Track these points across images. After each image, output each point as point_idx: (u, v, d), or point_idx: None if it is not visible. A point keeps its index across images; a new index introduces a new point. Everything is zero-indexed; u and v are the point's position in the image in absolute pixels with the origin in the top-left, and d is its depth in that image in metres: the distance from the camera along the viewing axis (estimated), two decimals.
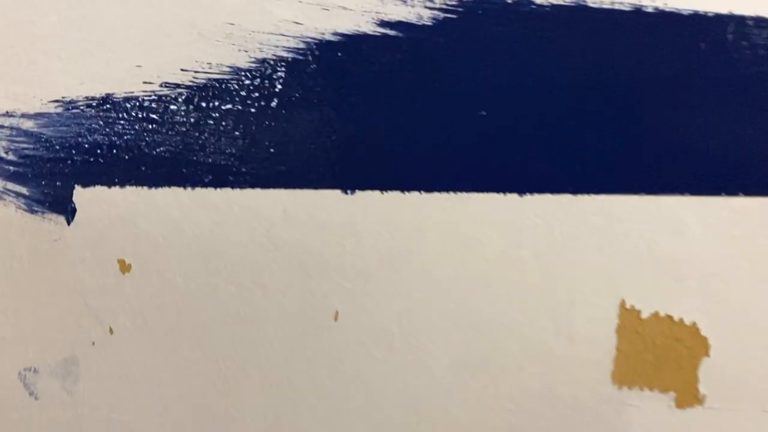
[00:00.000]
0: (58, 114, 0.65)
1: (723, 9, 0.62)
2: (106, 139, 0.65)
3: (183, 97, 0.65)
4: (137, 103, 0.65)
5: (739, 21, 0.62)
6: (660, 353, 0.63)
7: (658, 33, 0.62)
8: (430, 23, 0.64)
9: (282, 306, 0.65)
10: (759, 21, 0.61)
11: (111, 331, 0.66)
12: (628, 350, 0.64)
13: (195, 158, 0.65)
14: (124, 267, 0.66)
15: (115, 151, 0.65)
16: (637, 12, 0.62)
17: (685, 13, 0.62)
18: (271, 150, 0.64)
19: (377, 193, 0.64)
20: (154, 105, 0.65)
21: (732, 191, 0.62)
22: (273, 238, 0.64)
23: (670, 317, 0.63)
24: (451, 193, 0.64)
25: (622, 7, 0.62)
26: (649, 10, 0.62)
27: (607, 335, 0.63)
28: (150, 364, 0.66)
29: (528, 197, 0.63)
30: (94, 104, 0.65)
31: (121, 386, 0.66)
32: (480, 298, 0.64)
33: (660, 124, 0.63)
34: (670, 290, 0.63)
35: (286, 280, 0.64)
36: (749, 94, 0.62)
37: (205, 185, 0.65)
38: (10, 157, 0.66)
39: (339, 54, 0.64)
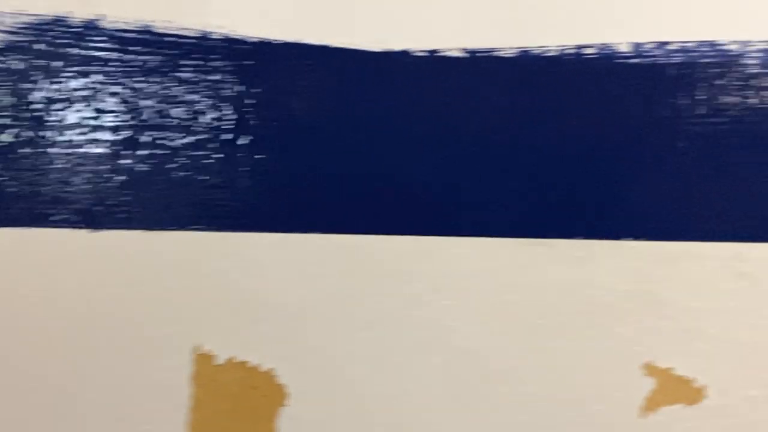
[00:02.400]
0: None
1: None
2: None
3: None
4: None
5: None
6: (236, 403, 0.59)
7: None
8: None
9: None
10: None
11: None
12: (205, 399, 0.59)
13: None
14: None
15: None
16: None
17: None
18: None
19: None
20: None
21: (312, 229, 0.59)
22: None
23: (245, 363, 0.58)
24: None
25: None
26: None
27: (181, 384, 0.59)
28: None
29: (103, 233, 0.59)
30: None
31: None
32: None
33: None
34: (247, 334, 0.59)
35: None
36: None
37: None
38: None
39: None
